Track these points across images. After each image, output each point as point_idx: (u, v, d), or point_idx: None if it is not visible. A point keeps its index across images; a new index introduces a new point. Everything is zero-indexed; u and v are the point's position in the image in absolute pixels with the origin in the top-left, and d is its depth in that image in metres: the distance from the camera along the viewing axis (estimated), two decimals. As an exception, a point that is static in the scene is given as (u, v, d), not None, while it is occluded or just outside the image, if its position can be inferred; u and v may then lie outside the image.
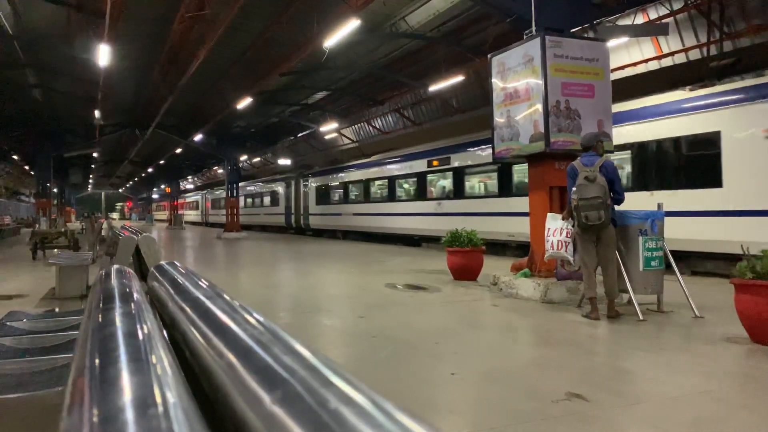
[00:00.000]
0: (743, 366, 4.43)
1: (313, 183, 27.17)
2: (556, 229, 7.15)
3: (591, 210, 5.98)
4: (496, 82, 8.32)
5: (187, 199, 58.20)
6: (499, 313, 6.68)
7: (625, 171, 10.97)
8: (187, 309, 1.28)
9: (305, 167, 30.66)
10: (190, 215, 55.56)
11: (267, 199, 33.95)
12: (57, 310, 4.35)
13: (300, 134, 31.52)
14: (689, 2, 12.73)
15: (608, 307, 6.07)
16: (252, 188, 36.99)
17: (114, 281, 1.85)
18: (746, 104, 9.13)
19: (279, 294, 8.79)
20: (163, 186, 60.26)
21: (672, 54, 13.88)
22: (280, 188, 31.74)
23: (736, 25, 12.55)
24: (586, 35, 8.75)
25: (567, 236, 6.97)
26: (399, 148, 21.23)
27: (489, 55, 8.54)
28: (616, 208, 6.29)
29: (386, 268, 11.62)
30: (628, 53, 14.66)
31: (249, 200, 36.87)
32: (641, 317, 5.88)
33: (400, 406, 0.58)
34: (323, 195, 25.96)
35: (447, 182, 17.13)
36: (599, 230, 6.07)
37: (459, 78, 16.91)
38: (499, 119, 8.28)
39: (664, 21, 13.10)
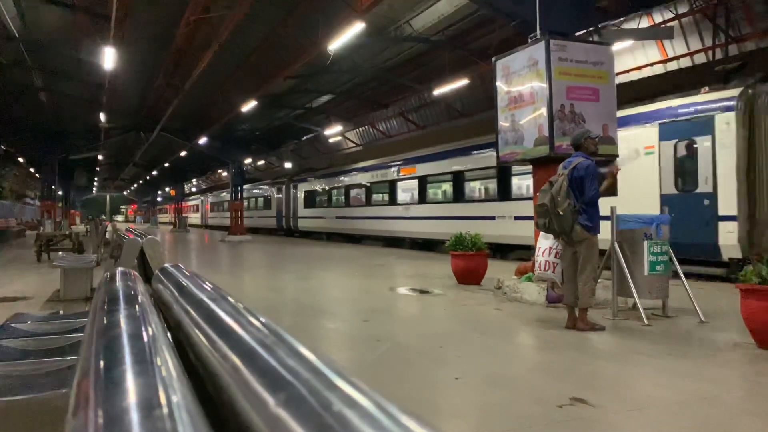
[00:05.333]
0: (749, 372, 4.40)
1: None
2: (546, 248, 7.03)
3: (539, 217, 5.81)
4: (501, 86, 8.31)
5: (254, 192, 36.60)
6: (503, 317, 6.66)
7: None
8: (192, 311, 1.28)
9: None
10: (253, 218, 34.62)
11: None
12: (61, 312, 4.36)
13: (304, 137, 31.58)
14: (695, 6, 12.72)
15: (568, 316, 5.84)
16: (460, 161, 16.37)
17: (118, 283, 1.86)
18: None
19: (282, 297, 8.79)
20: (167, 189, 59.26)
21: (677, 58, 13.86)
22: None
23: (741, 29, 12.52)
24: (591, 39, 8.72)
25: (556, 257, 6.80)
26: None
27: (494, 59, 8.53)
28: (620, 210, 6.20)
29: (389, 272, 11.61)
30: (633, 57, 14.64)
31: (444, 188, 17.43)
32: (646, 322, 5.86)
33: (405, 409, 0.58)
34: None
35: None
36: (565, 237, 5.78)
37: (463, 81, 16.93)
38: (503, 123, 8.27)
39: (669, 25, 13.10)
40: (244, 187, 36.65)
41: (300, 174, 30.31)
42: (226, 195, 38.96)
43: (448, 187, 17.00)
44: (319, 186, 26.50)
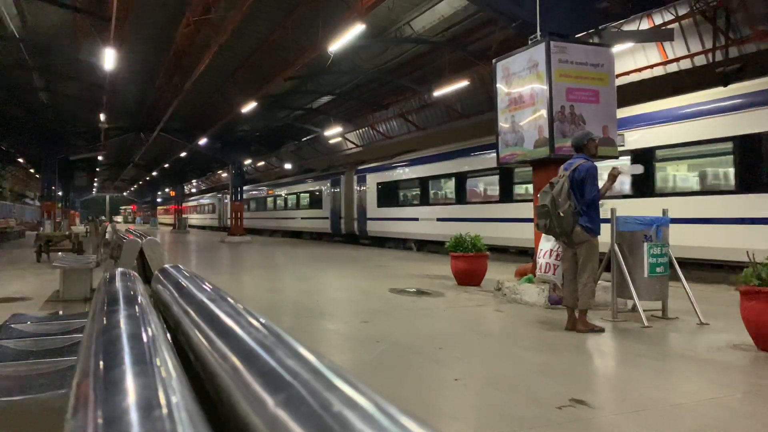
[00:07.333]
0: (749, 373, 4.40)
1: None
2: (547, 251, 7.03)
3: (539, 218, 5.85)
4: (501, 88, 8.32)
5: (295, 187, 29.33)
6: (502, 318, 6.66)
7: None
8: (191, 312, 1.28)
9: None
10: (295, 219, 28.91)
11: None
12: (61, 312, 4.37)
13: (304, 138, 31.61)
14: (695, 8, 12.72)
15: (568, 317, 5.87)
16: None
17: (118, 284, 1.86)
18: None
19: (282, 297, 8.78)
20: (167, 189, 58.95)
21: (677, 60, 13.86)
22: None
23: (741, 31, 12.52)
24: (591, 41, 8.71)
25: (556, 259, 6.80)
26: None
27: (494, 60, 8.54)
28: (622, 212, 6.20)
29: (390, 273, 11.61)
30: (633, 59, 14.64)
31: None
32: (646, 323, 5.86)
33: (404, 410, 0.58)
34: None
35: None
36: (565, 239, 5.77)
37: (464, 83, 16.93)
38: (503, 124, 8.27)
39: (669, 26, 13.10)
40: (281, 181, 31.36)
41: (370, 162, 22.39)
42: (258, 192, 32.79)
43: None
44: (407, 175, 19.15)
